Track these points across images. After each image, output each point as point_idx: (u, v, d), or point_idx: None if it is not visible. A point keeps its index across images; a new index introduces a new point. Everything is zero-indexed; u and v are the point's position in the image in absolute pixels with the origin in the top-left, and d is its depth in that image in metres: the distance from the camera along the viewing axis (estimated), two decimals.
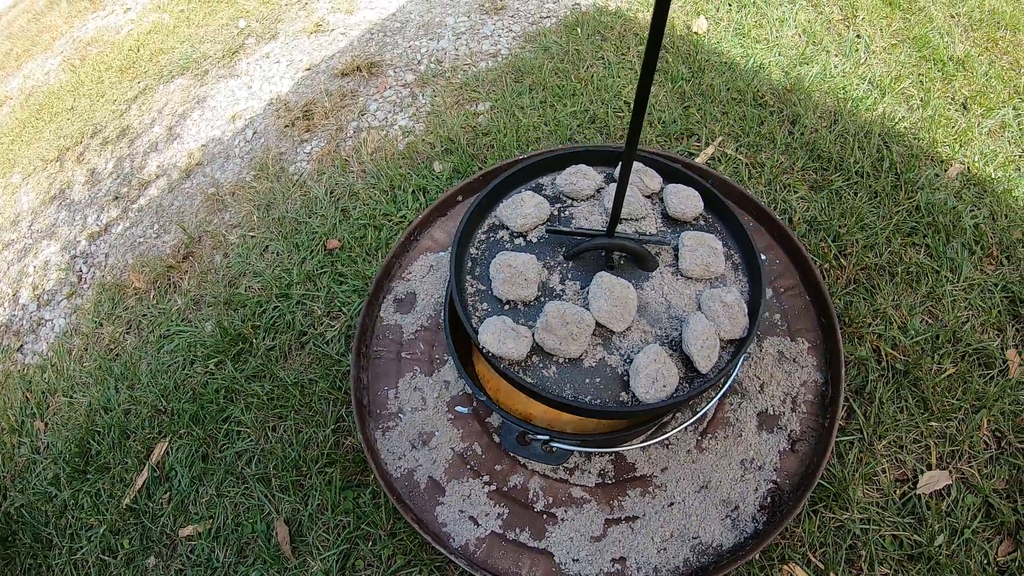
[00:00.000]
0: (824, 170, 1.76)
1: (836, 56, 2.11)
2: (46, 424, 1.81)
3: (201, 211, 2.11)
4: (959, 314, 1.49)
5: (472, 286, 1.06)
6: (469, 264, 1.10)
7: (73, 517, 1.58)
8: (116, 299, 1.99)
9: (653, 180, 1.17)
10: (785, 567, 1.23)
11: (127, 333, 1.91)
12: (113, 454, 1.64)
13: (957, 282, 1.54)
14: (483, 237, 1.14)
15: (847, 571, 1.22)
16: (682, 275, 1.06)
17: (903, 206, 1.67)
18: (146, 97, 2.73)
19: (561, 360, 0.98)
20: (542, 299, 1.02)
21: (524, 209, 1.11)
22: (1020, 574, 1.17)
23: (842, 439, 1.34)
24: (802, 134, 1.83)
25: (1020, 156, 1.80)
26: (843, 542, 1.24)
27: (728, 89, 1.97)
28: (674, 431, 1.18)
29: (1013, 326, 1.48)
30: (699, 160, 1.76)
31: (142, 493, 1.55)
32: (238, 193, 2.08)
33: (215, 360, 1.68)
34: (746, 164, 1.78)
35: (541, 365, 0.97)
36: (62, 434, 1.74)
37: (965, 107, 1.93)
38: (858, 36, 2.17)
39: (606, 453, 1.28)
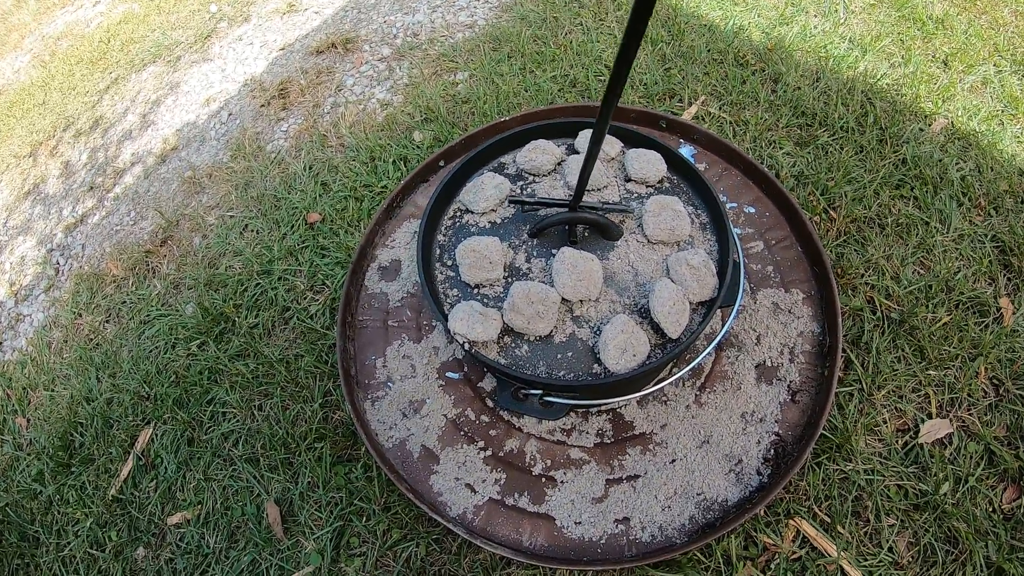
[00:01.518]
0: (809, 126, 1.74)
1: (816, 16, 2.08)
2: (28, 420, 1.75)
3: (178, 195, 2.05)
4: (950, 264, 1.47)
5: (442, 273, 1.07)
6: (438, 252, 1.10)
7: (59, 513, 1.53)
8: (94, 288, 1.94)
9: (613, 147, 1.15)
10: (791, 522, 1.20)
11: (107, 322, 1.85)
12: (97, 445, 1.59)
13: (947, 233, 1.52)
14: (449, 223, 1.14)
15: (854, 523, 1.19)
16: (648, 241, 1.04)
17: (889, 159, 1.65)
18: (118, 87, 2.66)
19: (532, 338, 0.98)
20: (510, 279, 1.02)
21: (485, 192, 1.11)
22: None
23: (841, 390, 1.31)
24: (785, 91, 1.81)
25: (1003, 111, 1.78)
26: (848, 494, 1.21)
27: (709, 50, 1.94)
28: (664, 384, 1.14)
29: (1005, 275, 1.46)
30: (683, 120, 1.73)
31: (128, 483, 1.50)
32: (215, 175, 2.03)
33: (197, 342, 1.63)
34: (730, 122, 1.75)
35: (513, 345, 0.98)
36: (44, 429, 1.68)
37: (946, 64, 1.91)
38: None
39: (604, 412, 1.25)
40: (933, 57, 1.94)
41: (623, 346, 0.90)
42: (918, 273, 1.47)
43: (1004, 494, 1.20)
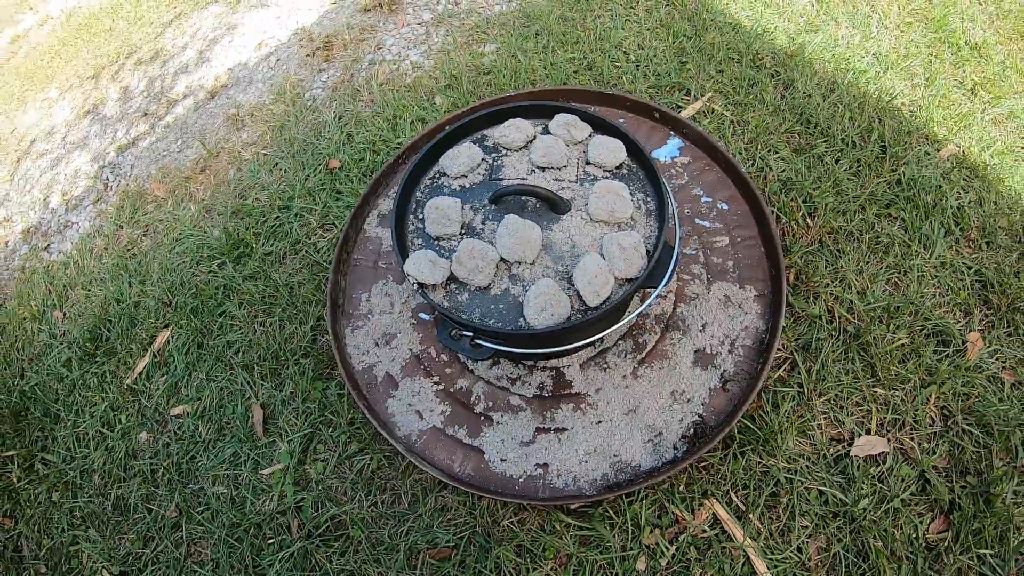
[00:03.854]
0: (810, 135, 1.75)
1: (846, 27, 2.08)
2: (64, 314, 2.00)
3: (221, 129, 2.25)
4: (924, 289, 1.45)
5: (413, 224, 1.23)
6: (414, 205, 1.26)
7: (80, 395, 1.76)
8: (137, 205, 2.16)
9: (581, 131, 1.27)
10: (706, 502, 1.27)
11: (144, 236, 2.07)
12: (120, 340, 1.81)
13: (928, 258, 1.50)
14: (428, 182, 1.29)
15: (766, 515, 1.24)
16: (591, 219, 1.16)
17: (885, 178, 1.64)
18: (181, 22, 2.87)
19: (472, 288, 1.13)
20: (465, 235, 1.17)
21: (460, 159, 1.26)
22: (947, 555, 1.16)
23: (781, 389, 1.35)
24: (794, 98, 1.82)
25: (1023, 147, 1.71)
26: (766, 487, 1.26)
27: (728, 48, 1.97)
28: (576, 346, 1.26)
29: (981, 310, 1.43)
30: (685, 114, 1.81)
31: (142, 376, 1.72)
32: (256, 114, 2.22)
33: (218, 261, 1.83)
34: (731, 121, 1.80)
35: (456, 291, 1.13)
36: (77, 323, 1.92)
37: (972, 92, 1.83)
38: (872, 10, 2.14)
39: (549, 368, 1.39)
40: (960, 83, 1.87)
41: (543, 305, 1.04)
42: (887, 292, 1.46)
43: (932, 524, 1.20)
